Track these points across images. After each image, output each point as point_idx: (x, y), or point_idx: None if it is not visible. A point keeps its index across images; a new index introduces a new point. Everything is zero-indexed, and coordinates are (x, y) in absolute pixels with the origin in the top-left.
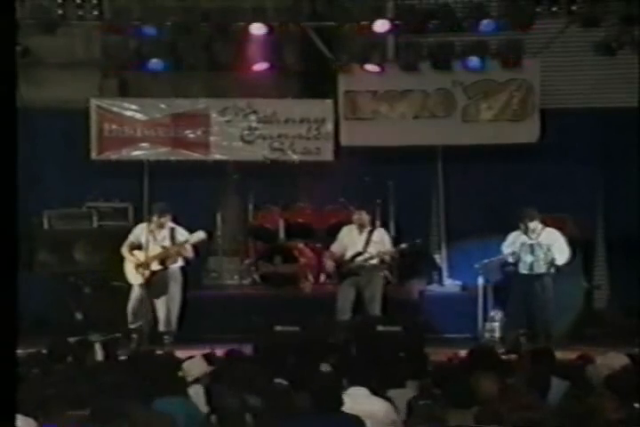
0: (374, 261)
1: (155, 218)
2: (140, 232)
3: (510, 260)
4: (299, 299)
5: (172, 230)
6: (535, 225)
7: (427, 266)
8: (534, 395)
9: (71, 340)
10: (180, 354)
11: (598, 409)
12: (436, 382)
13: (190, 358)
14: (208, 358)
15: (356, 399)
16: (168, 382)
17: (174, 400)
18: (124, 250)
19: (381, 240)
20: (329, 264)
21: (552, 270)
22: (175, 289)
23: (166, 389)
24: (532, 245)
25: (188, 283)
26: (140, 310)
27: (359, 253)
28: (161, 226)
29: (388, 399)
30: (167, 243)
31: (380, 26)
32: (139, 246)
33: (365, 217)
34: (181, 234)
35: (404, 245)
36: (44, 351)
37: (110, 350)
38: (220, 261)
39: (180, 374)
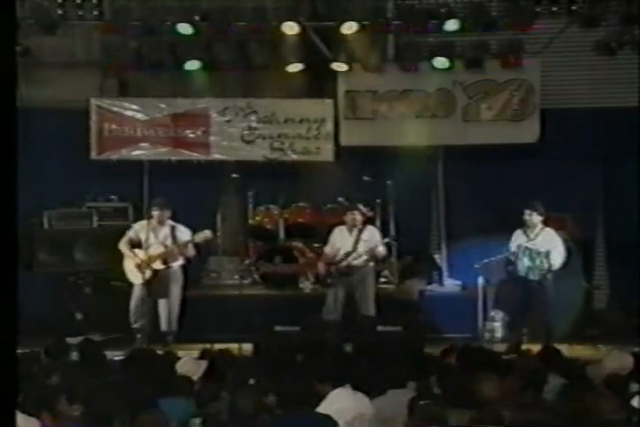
0: (364, 259)
1: (156, 212)
2: (139, 229)
3: (512, 258)
4: (299, 299)
5: (173, 228)
6: (536, 220)
7: (427, 266)
8: (535, 395)
9: (72, 340)
10: (180, 354)
11: (598, 409)
12: (437, 382)
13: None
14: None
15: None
16: (170, 382)
17: (175, 400)
18: (123, 246)
19: (371, 238)
20: (320, 267)
21: (548, 277)
22: (176, 288)
23: (169, 389)
24: (530, 251)
25: (188, 283)
26: (141, 310)
27: (349, 253)
28: (161, 222)
29: (389, 399)
30: (169, 241)
31: (380, 26)
32: (138, 244)
33: (359, 217)
34: (182, 232)
35: (387, 239)
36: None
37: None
38: (220, 261)
39: (180, 372)
